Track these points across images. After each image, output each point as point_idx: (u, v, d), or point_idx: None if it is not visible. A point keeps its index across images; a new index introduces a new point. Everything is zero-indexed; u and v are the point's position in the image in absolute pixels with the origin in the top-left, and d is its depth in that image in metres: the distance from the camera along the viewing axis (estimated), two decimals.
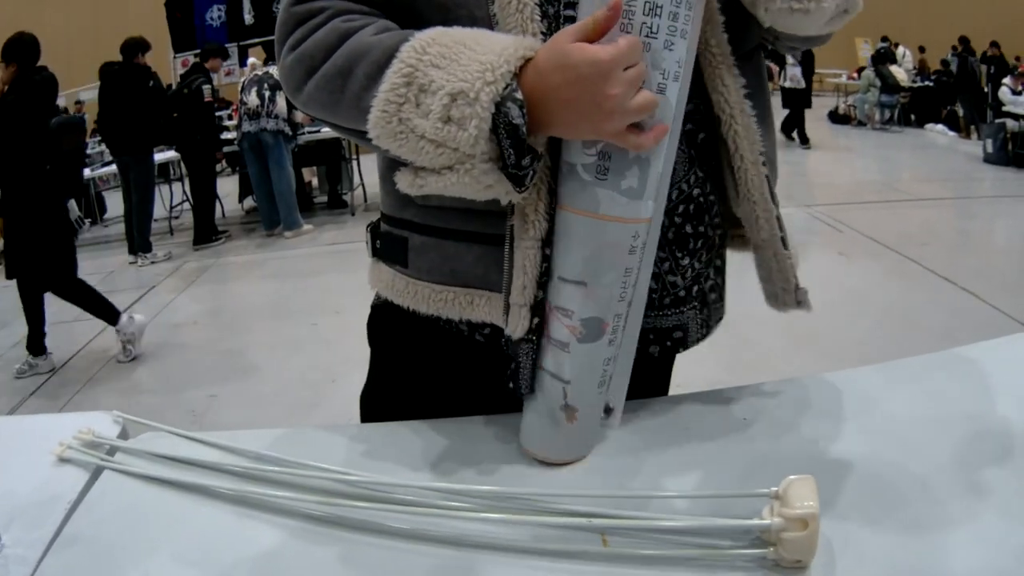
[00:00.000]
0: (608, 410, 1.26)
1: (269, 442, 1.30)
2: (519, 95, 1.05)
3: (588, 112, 1.04)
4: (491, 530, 1.05)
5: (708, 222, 1.35)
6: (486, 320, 1.28)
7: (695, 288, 1.36)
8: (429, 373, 1.45)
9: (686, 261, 1.33)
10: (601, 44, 1.02)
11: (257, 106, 9.83)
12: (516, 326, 1.21)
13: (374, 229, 1.45)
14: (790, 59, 14.15)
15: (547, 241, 1.17)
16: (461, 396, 1.41)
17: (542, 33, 1.14)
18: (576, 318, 1.14)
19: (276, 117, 9.84)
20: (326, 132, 10.71)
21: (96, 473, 1.24)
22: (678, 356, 1.51)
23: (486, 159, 1.07)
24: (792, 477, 0.97)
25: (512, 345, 1.25)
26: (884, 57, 18.83)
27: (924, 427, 1.26)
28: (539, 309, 1.20)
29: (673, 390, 1.53)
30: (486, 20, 1.16)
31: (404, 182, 1.14)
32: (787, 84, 15.73)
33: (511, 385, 1.27)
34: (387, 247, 1.40)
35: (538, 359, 1.22)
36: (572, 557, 1.01)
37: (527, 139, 1.07)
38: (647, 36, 1.02)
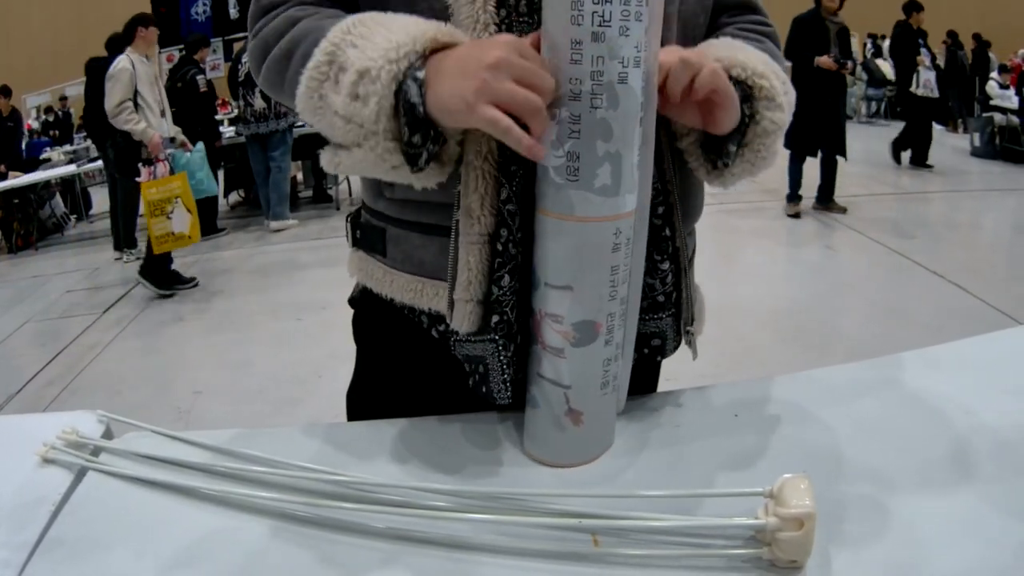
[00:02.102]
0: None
1: (254, 442, 1.29)
2: (420, 74, 1.07)
3: (455, 71, 1.05)
4: (480, 531, 1.04)
5: (685, 224, 1.35)
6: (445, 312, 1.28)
7: (673, 294, 1.35)
8: (408, 368, 1.45)
9: (665, 265, 1.31)
10: None
11: (264, 108, 9.86)
12: (461, 321, 1.22)
13: (354, 219, 1.47)
14: (926, 61, 12.28)
15: (495, 236, 1.19)
16: (439, 391, 1.41)
17: (495, 24, 1.15)
18: (567, 323, 1.13)
19: (285, 115, 9.89)
20: (311, 127, 10.63)
21: (80, 474, 1.23)
22: None
23: (389, 137, 1.09)
24: (787, 476, 0.96)
25: (463, 345, 1.27)
26: (873, 53, 18.91)
27: (918, 423, 1.26)
28: (496, 306, 1.21)
29: (662, 385, 1.52)
30: (444, 11, 1.17)
31: (324, 159, 1.17)
32: (919, 91, 12.25)
33: (483, 390, 1.28)
34: (367, 237, 1.42)
35: (536, 367, 1.21)
36: (563, 558, 0.99)
37: (428, 120, 1.08)
38: (599, 25, 1.00)
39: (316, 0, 1.28)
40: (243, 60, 9.56)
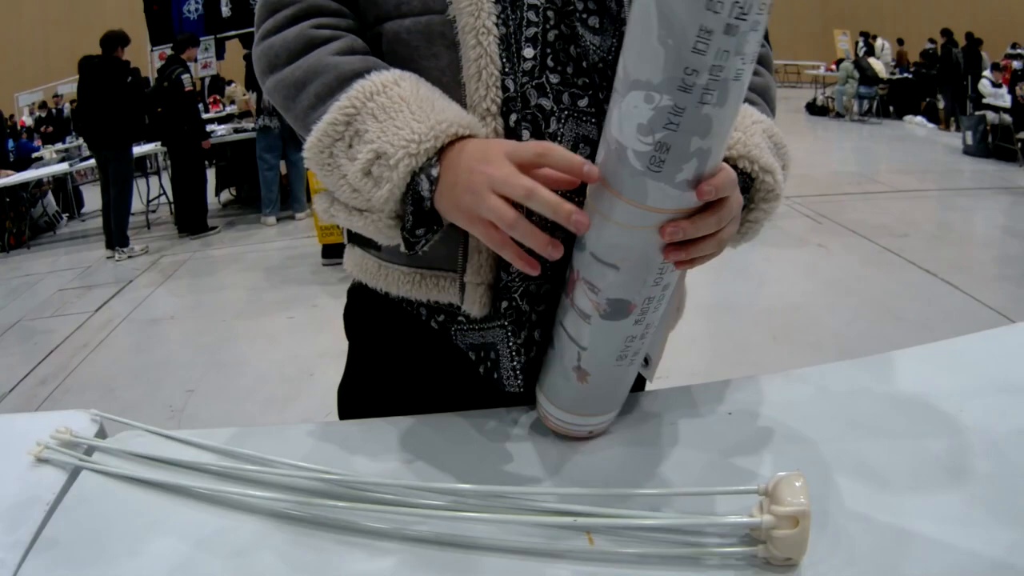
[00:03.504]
0: (646, 360, 1.24)
1: (247, 440, 1.29)
2: (435, 172, 1.09)
3: (454, 196, 1.08)
4: (475, 529, 1.04)
5: None
6: (453, 301, 1.29)
7: None
8: (404, 361, 1.44)
9: None
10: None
11: None
12: (473, 304, 1.23)
13: None
14: None
15: None
16: (433, 386, 1.41)
17: (496, 16, 1.15)
18: (602, 296, 1.09)
19: None
20: None
21: (74, 474, 1.22)
22: None
23: (393, 215, 1.15)
24: (781, 474, 0.96)
25: (468, 333, 1.29)
26: (865, 52, 18.96)
27: (911, 421, 1.26)
28: (505, 292, 1.22)
29: (654, 383, 1.52)
30: (441, 2, 1.18)
31: (320, 205, 1.21)
32: None
33: (495, 377, 1.28)
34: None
35: (561, 315, 1.20)
36: (558, 556, 0.99)
37: (431, 214, 1.13)
38: (736, 17, 0.88)
39: (331, 11, 1.26)
40: None
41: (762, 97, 1.32)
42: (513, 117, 1.17)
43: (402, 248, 1.16)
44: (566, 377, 1.20)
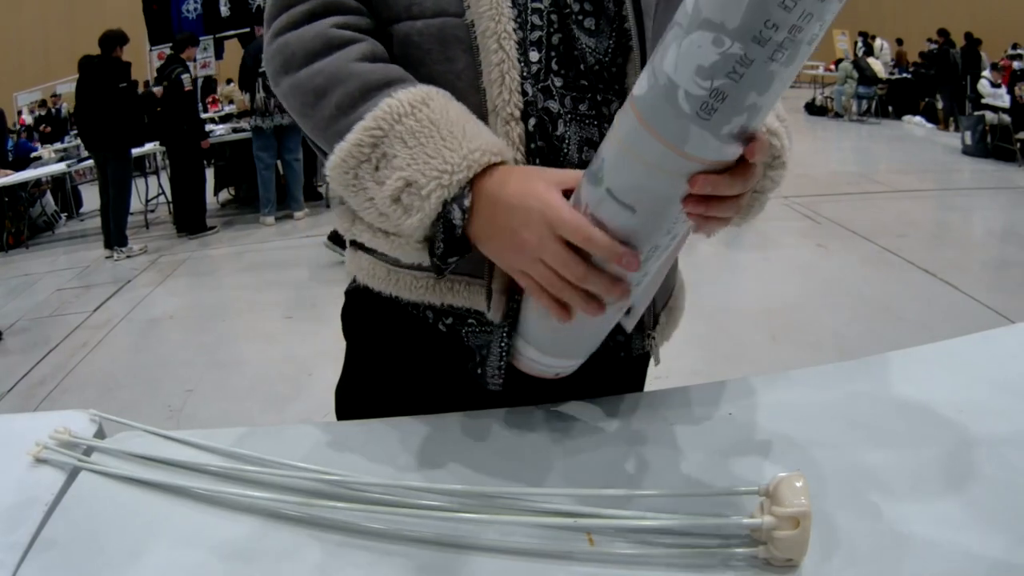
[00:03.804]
0: (629, 310, 1.19)
1: (246, 440, 1.29)
2: (467, 202, 1.08)
3: (503, 233, 1.07)
4: (475, 530, 1.04)
5: None
6: (467, 305, 1.28)
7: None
8: (401, 362, 1.43)
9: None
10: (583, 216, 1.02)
11: None
12: (498, 311, 1.22)
13: None
14: None
15: None
16: (433, 386, 1.40)
17: (514, 21, 1.15)
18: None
19: None
20: None
21: (73, 474, 1.22)
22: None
23: (421, 239, 1.14)
24: (782, 474, 0.96)
25: (476, 335, 1.30)
26: (864, 52, 18.98)
27: (911, 422, 1.26)
28: (511, 295, 1.22)
29: (652, 383, 1.52)
30: (456, 5, 1.16)
31: (341, 223, 1.23)
32: None
33: (479, 372, 1.28)
34: None
35: None
36: (558, 557, 0.99)
37: (462, 241, 1.11)
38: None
39: (351, 8, 1.22)
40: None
41: None
42: (532, 121, 1.17)
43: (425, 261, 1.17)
44: (547, 316, 1.14)
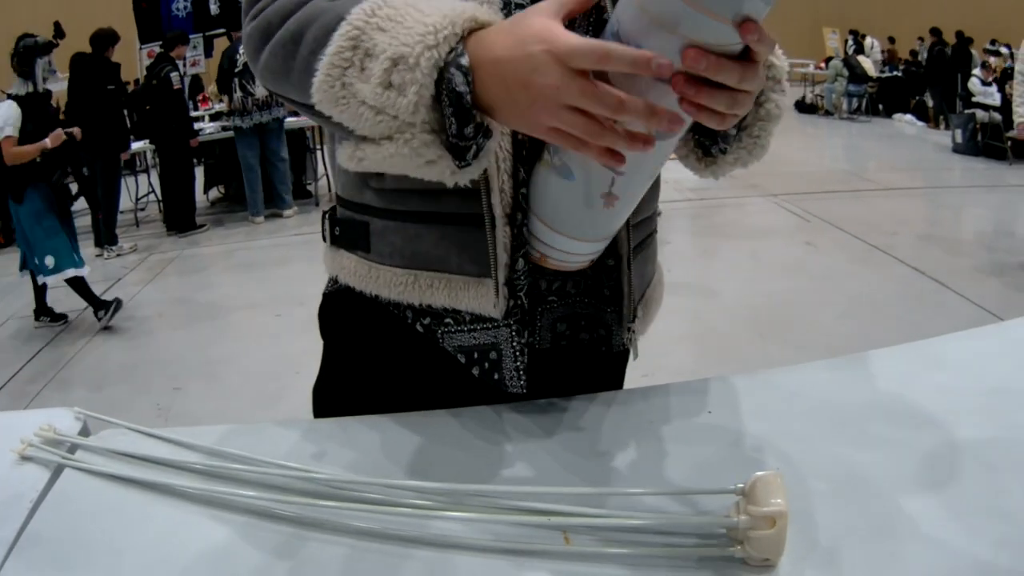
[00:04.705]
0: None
1: (230, 438, 1.28)
2: (464, 61, 0.99)
3: (515, 92, 0.96)
4: (451, 528, 1.04)
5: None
6: (445, 304, 1.27)
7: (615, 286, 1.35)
8: (381, 363, 1.42)
9: (611, 262, 1.32)
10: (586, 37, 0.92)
11: (267, 96, 9.98)
12: (503, 306, 1.22)
13: (331, 216, 1.42)
14: None
15: (513, 218, 1.18)
16: (410, 387, 1.40)
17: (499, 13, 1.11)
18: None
19: (282, 104, 10.09)
20: (290, 122, 10.99)
21: (57, 471, 1.22)
22: (642, 345, 1.47)
23: (427, 129, 1.02)
24: (759, 473, 0.95)
25: (459, 335, 1.29)
26: (854, 50, 19.03)
27: (895, 420, 1.26)
28: (511, 290, 1.22)
29: (638, 381, 1.51)
30: None
31: (344, 154, 1.09)
32: None
33: (495, 378, 1.28)
34: (347, 233, 1.38)
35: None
36: (534, 556, 0.99)
37: (474, 110, 1.01)
38: None
39: None
40: (240, 51, 9.60)
41: None
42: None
43: (443, 167, 1.05)
44: (590, 205, 1.12)
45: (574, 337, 1.38)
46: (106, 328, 6.77)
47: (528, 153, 1.18)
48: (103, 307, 6.85)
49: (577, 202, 1.13)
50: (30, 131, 6.66)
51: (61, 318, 7.26)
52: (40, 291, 7.13)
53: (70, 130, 7.19)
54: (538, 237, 1.21)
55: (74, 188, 7.51)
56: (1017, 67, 6.32)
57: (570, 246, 1.19)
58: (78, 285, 6.88)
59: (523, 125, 1.00)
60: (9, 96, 6.84)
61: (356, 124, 1.04)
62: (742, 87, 0.93)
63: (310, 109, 1.11)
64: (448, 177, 1.06)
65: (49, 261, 6.67)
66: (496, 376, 1.28)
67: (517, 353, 1.25)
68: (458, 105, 0.99)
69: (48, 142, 6.67)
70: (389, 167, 1.06)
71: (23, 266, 6.99)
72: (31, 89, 6.88)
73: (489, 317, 1.25)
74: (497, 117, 1.02)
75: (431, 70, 0.98)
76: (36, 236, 6.68)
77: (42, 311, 7.22)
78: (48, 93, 7.18)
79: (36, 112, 6.83)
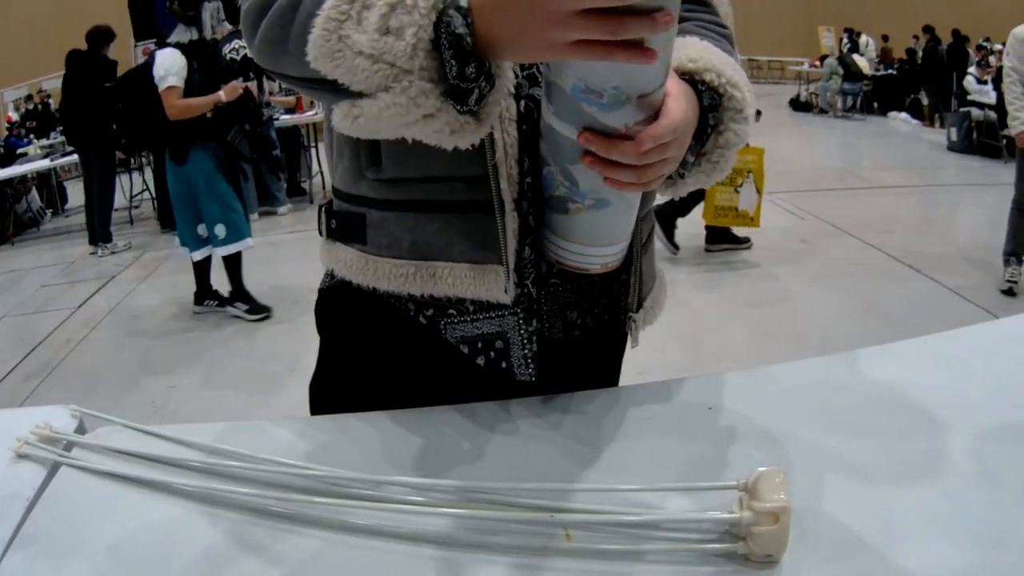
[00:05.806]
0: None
1: (227, 436, 1.28)
2: (463, 2, 0.97)
3: (523, 19, 0.93)
4: (452, 525, 1.04)
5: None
6: (449, 293, 1.27)
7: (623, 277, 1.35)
8: (380, 357, 1.42)
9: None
10: None
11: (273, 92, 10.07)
12: (514, 292, 1.22)
13: (327, 209, 1.41)
14: None
15: (519, 206, 1.19)
16: (411, 381, 1.40)
17: None
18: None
19: (269, 104, 10.08)
20: (285, 119, 11.06)
21: (53, 469, 1.22)
22: (639, 343, 1.48)
23: (425, 77, 0.98)
24: (762, 469, 0.96)
25: (465, 325, 1.29)
26: (849, 48, 19.06)
27: (893, 417, 1.26)
28: (518, 278, 1.22)
29: (635, 378, 1.51)
30: None
31: (339, 115, 1.05)
32: None
33: (503, 366, 1.28)
34: (343, 226, 1.37)
35: (569, 160, 1.11)
36: (535, 552, 0.98)
37: (473, 52, 0.98)
38: None
39: None
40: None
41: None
42: (522, 103, 1.19)
43: (441, 121, 1.01)
44: (630, 211, 1.18)
45: (584, 325, 1.38)
46: (100, 327, 6.76)
47: (532, 143, 1.18)
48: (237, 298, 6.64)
49: (619, 218, 1.17)
50: (197, 84, 6.04)
51: (229, 302, 6.80)
52: (202, 268, 6.74)
53: (247, 83, 6.58)
54: (560, 246, 1.22)
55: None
56: (1005, 64, 6.26)
57: (604, 251, 1.22)
58: (204, 266, 6.59)
59: (541, 50, 0.95)
60: (168, 45, 6.20)
61: (352, 78, 1.00)
62: (631, 161, 1.01)
63: (306, 82, 1.08)
64: (447, 138, 1.03)
65: (220, 231, 6.35)
66: (503, 364, 1.28)
67: (525, 341, 1.25)
68: (458, 47, 0.97)
69: (222, 95, 6.07)
70: (384, 122, 1.02)
71: (183, 241, 6.61)
72: (195, 37, 6.25)
73: (495, 305, 1.25)
74: (510, 53, 1.00)
75: (429, 11, 0.96)
76: (205, 202, 6.31)
77: (205, 293, 6.86)
78: (216, 42, 6.56)
79: (204, 62, 6.18)
